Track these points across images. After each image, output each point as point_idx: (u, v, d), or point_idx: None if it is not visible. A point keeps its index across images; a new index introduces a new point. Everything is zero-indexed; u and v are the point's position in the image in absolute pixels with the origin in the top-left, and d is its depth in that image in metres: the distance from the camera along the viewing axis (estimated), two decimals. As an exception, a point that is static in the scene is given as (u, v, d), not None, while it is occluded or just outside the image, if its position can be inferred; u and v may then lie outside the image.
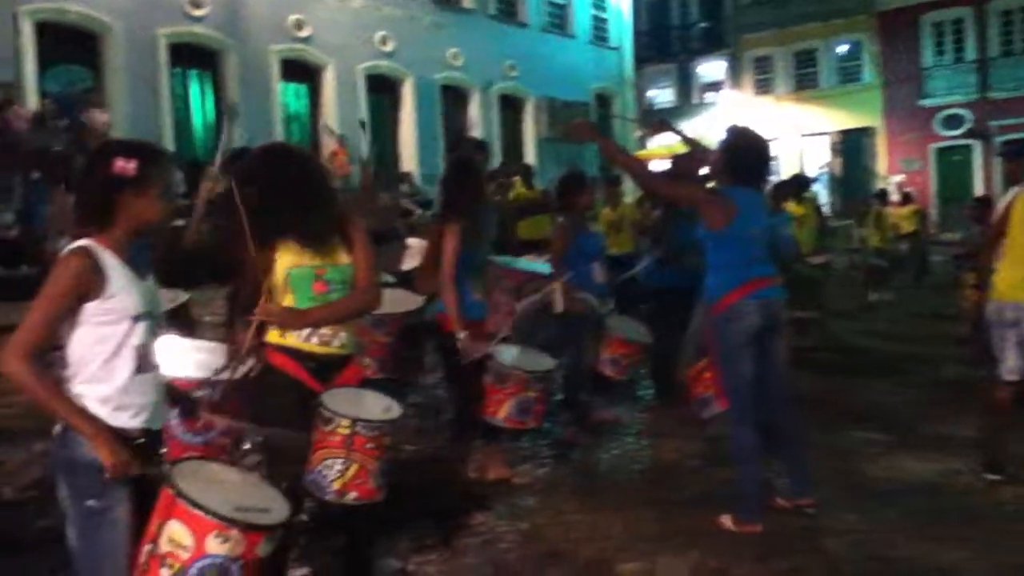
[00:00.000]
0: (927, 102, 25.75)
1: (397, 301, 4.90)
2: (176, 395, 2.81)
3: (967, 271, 8.42)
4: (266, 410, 3.10)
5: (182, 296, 5.18)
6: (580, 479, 4.90)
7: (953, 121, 25.43)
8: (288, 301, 3.10)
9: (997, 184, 21.13)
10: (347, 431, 2.90)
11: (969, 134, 25.13)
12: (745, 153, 4.22)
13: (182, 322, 4.76)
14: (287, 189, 3.01)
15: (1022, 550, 3.93)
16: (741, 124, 4.43)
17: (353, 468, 2.91)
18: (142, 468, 2.37)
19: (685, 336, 6.28)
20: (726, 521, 4.14)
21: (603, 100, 24.09)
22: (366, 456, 2.92)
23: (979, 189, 23.95)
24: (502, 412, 4.34)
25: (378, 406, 3.09)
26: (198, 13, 14.36)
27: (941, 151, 25.94)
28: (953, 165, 25.74)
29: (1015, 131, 24.12)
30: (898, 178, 23.83)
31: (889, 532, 4.12)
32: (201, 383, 3.45)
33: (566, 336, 5.57)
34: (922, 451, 5.23)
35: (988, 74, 24.97)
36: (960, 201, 23.50)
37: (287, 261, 3.06)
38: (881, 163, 26.16)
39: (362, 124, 13.27)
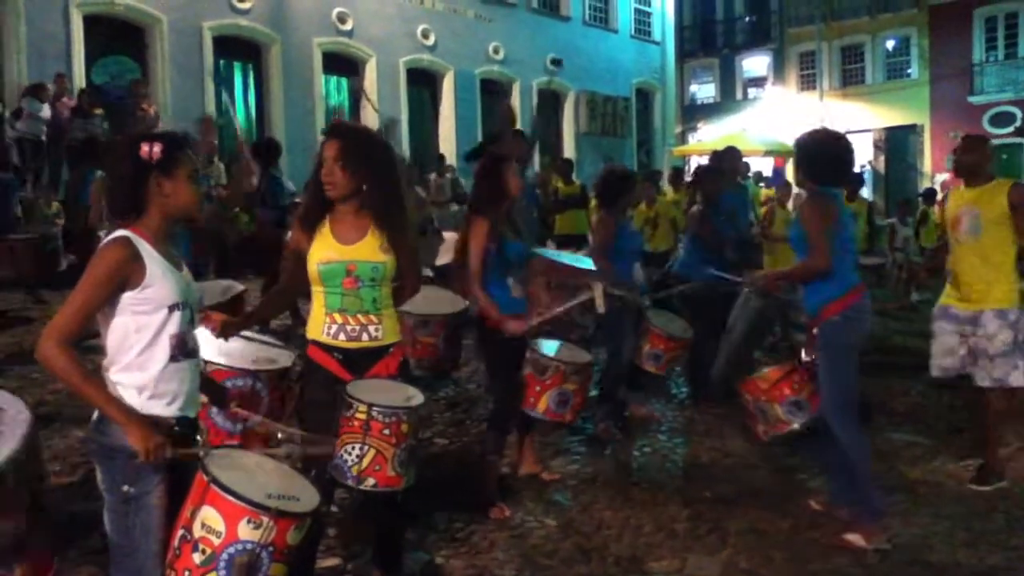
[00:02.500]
0: (976, 99, 25.21)
1: (442, 301, 4.92)
2: (207, 384, 2.85)
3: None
4: (307, 400, 3.19)
5: (236, 287, 5.27)
6: (612, 475, 4.89)
7: (1003, 119, 24.86)
8: (320, 299, 3.14)
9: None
10: (364, 416, 2.92)
11: (1019, 132, 24.54)
12: (832, 154, 4.10)
13: (235, 313, 4.85)
14: (386, 173, 3.15)
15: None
16: (820, 127, 4.41)
17: (371, 454, 2.92)
18: (176, 454, 2.41)
19: (724, 333, 6.24)
20: (856, 539, 3.91)
21: (644, 94, 23.94)
22: (383, 442, 2.92)
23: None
24: (541, 405, 4.37)
25: (402, 395, 3.10)
26: (243, 6, 14.54)
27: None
28: (1002, 164, 25.13)
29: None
30: (944, 176, 23.33)
31: (928, 536, 4.06)
32: (237, 373, 3.51)
33: (607, 330, 5.56)
34: (962, 454, 5.13)
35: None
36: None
37: (319, 255, 3.10)
38: (927, 161, 25.66)
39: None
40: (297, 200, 7.57)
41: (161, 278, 2.45)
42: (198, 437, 2.66)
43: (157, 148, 2.44)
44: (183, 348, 2.51)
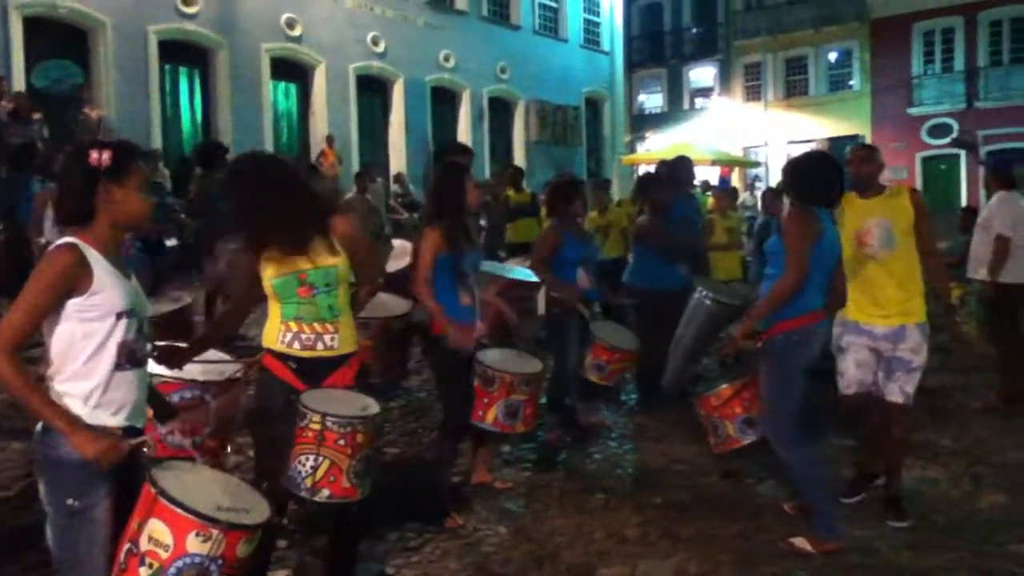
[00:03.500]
0: (916, 111, 25.92)
1: (382, 305, 4.89)
2: (153, 397, 2.80)
3: (954, 280, 8.48)
4: (260, 409, 3.15)
5: (184, 298, 5.20)
6: (564, 483, 4.90)
7: (940, 130, 25.58)
8: (276, 308, 3.11)
9: (982, 194, 21.27)
10: (318, 426, 2.90)
11: (956, 144, 25.28)
12: (826, 177, 4.06)
13: (181, 324, 4.78)
14: (263, 198, 3.01)
15: (1003, 556, 3.96)
16: (814, 149, 4.38)
17: (325, 464, 2.90)
18: (123, 461, 2.36)
19: (674, 339, 6.31)
20: (803, 544, 3.97)
21: (594, 104, 24.15)
22: (338, 453, 2.91)
23: (965, 198, 24.14)
24: (490, 416, 4.30)
25: (358, 405, 3.08)
26: (190, 10, 14.32)
27: (927, 160, 26.12)
28: (940, 174, 25.91)
29: (1001, 141, 24.36)
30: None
31: (873, 539, 4.14)
32: (185, 385, 3.45)
33: (552, 339, 5.58)
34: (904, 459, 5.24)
35: (976, 84, 25.14)
36: (946, 210, 23.69)
37: (270, 271, 3.07)
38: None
39: None
40: None
41: (109, 285, 2.41)
42: (145, 449, 2.61)
43: (107, 155, 2.41)
44: (130, 357, 2.47)
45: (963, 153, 25.15)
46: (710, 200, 10.68)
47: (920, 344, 4.31)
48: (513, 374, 4.31)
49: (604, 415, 6.20)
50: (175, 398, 3.34)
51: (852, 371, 4.36)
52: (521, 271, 5.88)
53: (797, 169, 4.14)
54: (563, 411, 5.60)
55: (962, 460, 5.35)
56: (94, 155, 2.40)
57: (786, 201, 4.46)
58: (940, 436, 5.84)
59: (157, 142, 13.56)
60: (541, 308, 5.66)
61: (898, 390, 4.33)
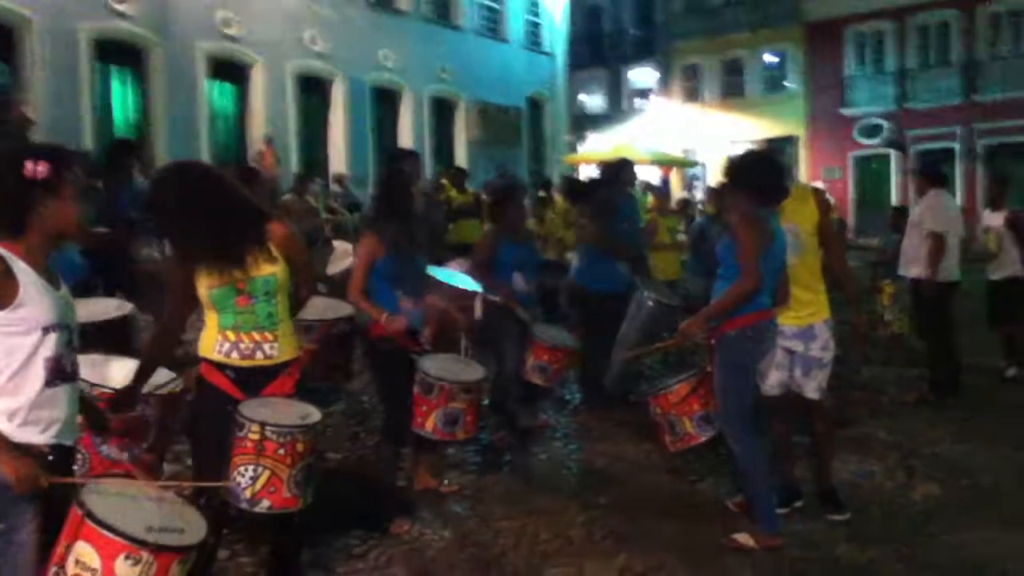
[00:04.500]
0: (848, 111, 26.53)
1: (326, 308, 4.84)
2: (87, 409, 2.71)
3: (884, 278, 8.72)
4: (198, 419, 3.07)
5: (126, 306, 5.02)
6: (508, 485, 4.91)
7: (872, 130, 26.25)
8: (213, 318, 3.05)
9: (911, 192, 21.90)
10: (257, 436, 2.84)
11: (887, 143, 25.97)
12: (774, 176, 4.11)
13: (123, 333, 4.62)
14: (196, 215, 2.93)
15: (936, 547, 4.08)
16: (755, 148, 4.34)
17: (265, 475, 2.84)
18: (50, 483, 2.28)
19: (617, 338, 6.36)
20: (746, 540, 4.02)
21: (536, 104, 24.20)
22: (277, 463, 2.85)
23: (895, 196, 24.80)
24: (429, 424, 4.21)
25: (297, 413, 3.03)
26: (122, 8, 13.95)
27: (859, 159, 26.77)
28: (871, 173, 26.59)
29: (930, 141, 25.11)
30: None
31: (811, 532, 4.22)
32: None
33: (491, 341, 5.57)
34: (840, 452, 5.34)
35: (906, 86, 25.84)
36: (877, 208, 24.36)
37: (207, 281, 2.99)
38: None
39: None
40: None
41: (36, 298, 2.32)
42: (75, 467, 2.53)
43: (42, 168, 2.32)
44: (60, 372, 2.38)
45: (893, 153, 25.85)
46: (650, 199, 10.79)
47: (828, 340, 4.37)
48: (452, 382, 4.21)
49: (547, 415, 6.22)
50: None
51: (773, 373, 4.38)
52: (463, 279, 5.86)
53: (743, 168, 4.16)
54: (506, 413, 5.60)
55: (896, 452, 5.49)
56: (29, 166, 2.31)
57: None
58: (875, 429, 6.00)
59: (89, 143, 13.19)
60: (478, 312, 5.65)
61: (815, 388, 4.39)
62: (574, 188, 9.59)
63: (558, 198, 12.55)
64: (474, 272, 5.49)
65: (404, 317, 4.15)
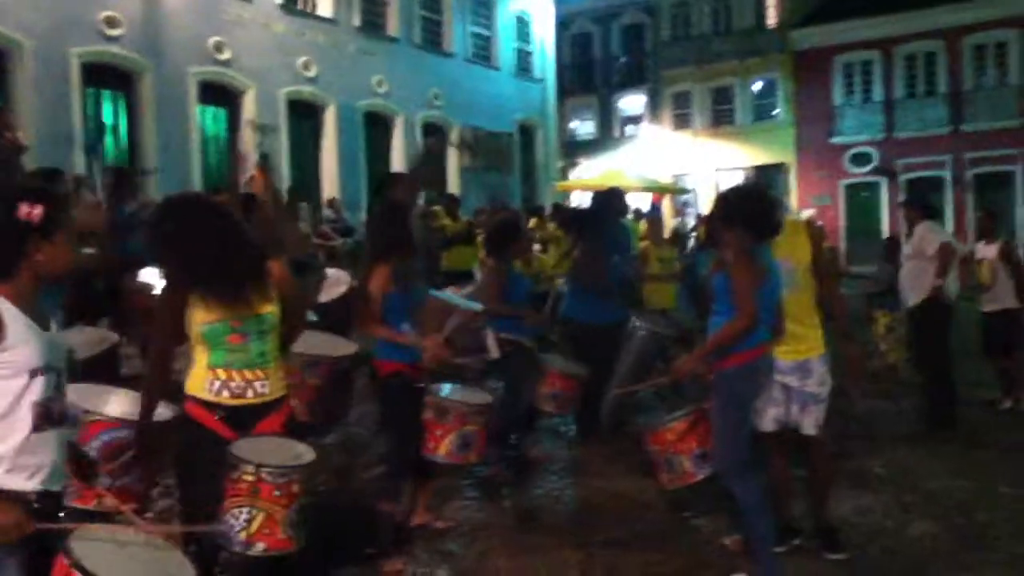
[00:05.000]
0: (837, 140, 26.74)
1: (331, 344, 4.78)
2: (73, 455, 2.63)
3: (878, 308, 8.72)
4: (186, 461, 2.99)
5: (111, 337, 4.95)
6: (505, 521, 4.84)
7: (861, 159, 26.45)
8: (203, 355, 2.97)
9: (901, 220, 22.04)
10: (252, 478, 2.78)
11: (876, 171, 26.17)
12: (768, 211, 4.09)
13: (109, 366, 4.55)
14: (198, 246, 2.87)
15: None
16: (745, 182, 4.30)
17: (260, 517, 2.78)
18: (36, 531, 2.21)
19: (614, 373, 6.33)
20: None
21: (527, 131, 24.31)
22: (274, 504, 2.80)
23: (885, 223, 24.96)
24: (443, 448, 4.23)
25: (291, 453, 2.98)
26: (114, 33, 13.95)
27: (850, 187, 26.96)
28: (861, 201, 26.77)
29: (918, 170, 25.33)
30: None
31: (813, 573, 4.17)
32: (116, 424, 3.29)
33: (505, 375, 5.55)
34: (836, 488, 5.30)
35: (894, 114, 26.09)
36: (868, 236, 24.50)
37: (200, 316, 2.92)
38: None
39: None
40: None
41: (23, 341, 2.26)
42: (61, 513, 2.46)
43: (38, 211, 2.26)
44: (48, 416, 2.31)
45: (884, 180, 26.03)
46: (641, 226, 10.78)
47: (825, 376, 4.33)
48: (467, 405, 4.28)
49: (543, 449, 6.16)
50: (105, 437, 3.19)
51: (769, 409, 4.33)
52: (466, 301, 5.82)
53: (735, 204, 4.12)
54: (507, 445, 5.55)
55: (892, 487, 5.46)
56: (24, 209, 2.25)
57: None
58: (871, 463, 5.96)
59: (80, 168, 13.13)
60: (493, 351, 5.58)
61: (812, 423, 4.34)
62: (572, 218, 9.51)
63: (551, 227, 12.56)
64: (492, 312, 5.44)
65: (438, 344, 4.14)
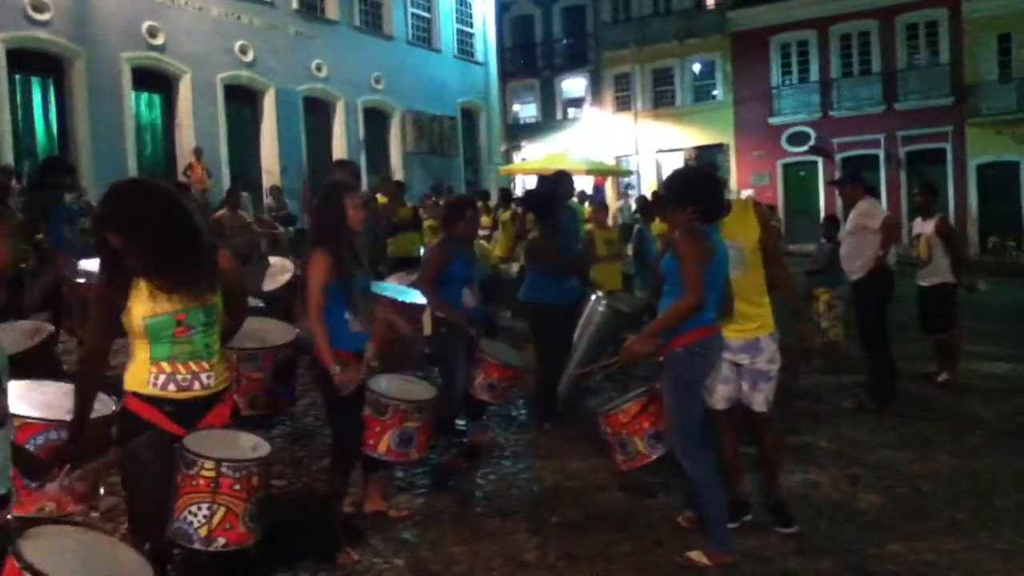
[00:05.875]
0: (776, 120, 27.16)
1: (270, 334, 4.70)
2: (20, 456, 2.54)
3: (818, 286, 8.89)
4: (132, 460, 2.89)
5: (46, 328, 4.80)
6: (459, 508, 4.82)
7: (798, 138, 26.91)
8: (144, 349, 2.87)
9: (838, 199, 22.50)
10: (212, 473, 2.75)
11: (813, 151, 26.65)
12: (717, 192, 4.15)
13: (46, 359, 4.42)
14: (151, 232, 2.77)
15: (884, 556, 4.14)
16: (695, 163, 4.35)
17: (220, 512, 2.76)
18: None
19: (569, 354, 6.35)
20: (699, 558, 4.01)
21: (469, 114, 24.19)
22: (234, 498, 2.78)
23: (822, 202, 25.46)
24: (382, 445, 4.19)
25: (246, 445, 2.93)
26: (41, 17, 13.50)
27: (788, 166, 27.43)
28: (799, 180, 27.26)
29: (854, 148, 25.87)
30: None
31: (763, 547, 4.24)
32: (51, 425, 3.20)
33: (439, 360, 5.51)
34: (784, 463, 5.39)
35: (830, 94, 26.57)
36: (805, 214, 24.98)
37: (142, 309, 2.81)
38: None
39: None
40: (84, 228, 6.81)
41: None
42: (9, 516, 2.38)
43: None
44: None
45: (820, 160, 26.52)
46: (587, 209, 10.83)
47: (775, 353, 4.41)
48: (407, 402, 4.21)
49: (495, 434, 6.16)
50: (40, 440, 3.10)
51: (719, 387, 4.39)
52: (410, 293, 5.78)
53: (683, 185, 4.16)
54: (453, 432, 5.53)
55: (839, 461, 5.59)
56: None
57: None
58: (817, 438, 6.10)
59: (8, 157, 12.71)
60: (427, 328, 5.58)
61: (763, 400, 4.42)
62: (527, 199, 9.47)
63: (501, 213, 12.56)
64: (422, 287, 5.41)
65: (358, 364, 4.05)
